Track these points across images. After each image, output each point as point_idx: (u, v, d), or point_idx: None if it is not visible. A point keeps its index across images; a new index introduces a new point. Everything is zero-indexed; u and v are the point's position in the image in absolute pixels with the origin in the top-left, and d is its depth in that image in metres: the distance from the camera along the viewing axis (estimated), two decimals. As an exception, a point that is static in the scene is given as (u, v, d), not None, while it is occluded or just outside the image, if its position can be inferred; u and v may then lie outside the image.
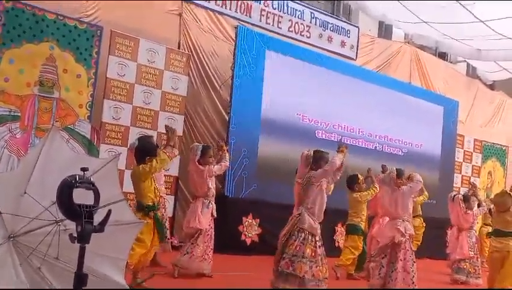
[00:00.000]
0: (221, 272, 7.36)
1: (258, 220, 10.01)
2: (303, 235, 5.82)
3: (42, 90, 8.00)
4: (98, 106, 8.70)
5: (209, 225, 7.15)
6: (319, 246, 5.93)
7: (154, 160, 5.71)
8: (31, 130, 7.86)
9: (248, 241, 9.91)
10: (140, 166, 5.77)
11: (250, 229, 9.94)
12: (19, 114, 7.77)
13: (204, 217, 7.07)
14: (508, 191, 7.66)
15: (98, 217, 2.88)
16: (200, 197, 7.17)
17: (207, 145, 7.55)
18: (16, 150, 7.66)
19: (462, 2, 11.14)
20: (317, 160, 6.03)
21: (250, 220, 9.95)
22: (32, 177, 3.15)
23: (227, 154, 7.47)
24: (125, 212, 3.42)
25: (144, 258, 5.93)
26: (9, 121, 7.69)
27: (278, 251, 5.94)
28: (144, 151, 5.91)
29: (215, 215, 7.27)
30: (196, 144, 7.64)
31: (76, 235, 2.78)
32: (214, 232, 7.23)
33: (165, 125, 6.47)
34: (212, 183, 7.26)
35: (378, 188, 8.32)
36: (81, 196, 2.85)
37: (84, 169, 2.91)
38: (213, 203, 7.25)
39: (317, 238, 5.90)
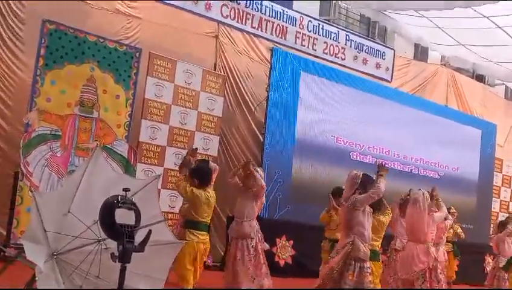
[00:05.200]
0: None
1: (292, 241, 9.97)
2: (359, 264, 5.57)
3: (82, 110, 8.19)
4: (136, 126, 8.86)
5: None
6: (370, 273, 5.75)
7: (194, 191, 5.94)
8: (70, 149, 8.03)
9: (281, 262, 9.84)
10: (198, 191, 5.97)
11: (284, 250, 9.89)
12: (60, 133, 7.95)
13: None
14: None
15: (137, 237, 2.94)
16: None
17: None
18: (56, 169, 7.83)
19: (499, 24, 11.04)
20: (365, 185, 5.76)
21: (283, 242, 9.90)
22: (76, 196, 3.23)
23: None
24: (164, 232, 3.47)
25: None
26: (50, 140, 7.86)
27: (334, 280, 5.61)
28: (199, 174, 6.12)
29: None
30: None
31: (117, 255, 2.84)
32: None
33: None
34: None
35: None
36: (122, 216, 2.92)
37: (126, 189, 2.98)
38: None
39: (368, 265, 5.68)
